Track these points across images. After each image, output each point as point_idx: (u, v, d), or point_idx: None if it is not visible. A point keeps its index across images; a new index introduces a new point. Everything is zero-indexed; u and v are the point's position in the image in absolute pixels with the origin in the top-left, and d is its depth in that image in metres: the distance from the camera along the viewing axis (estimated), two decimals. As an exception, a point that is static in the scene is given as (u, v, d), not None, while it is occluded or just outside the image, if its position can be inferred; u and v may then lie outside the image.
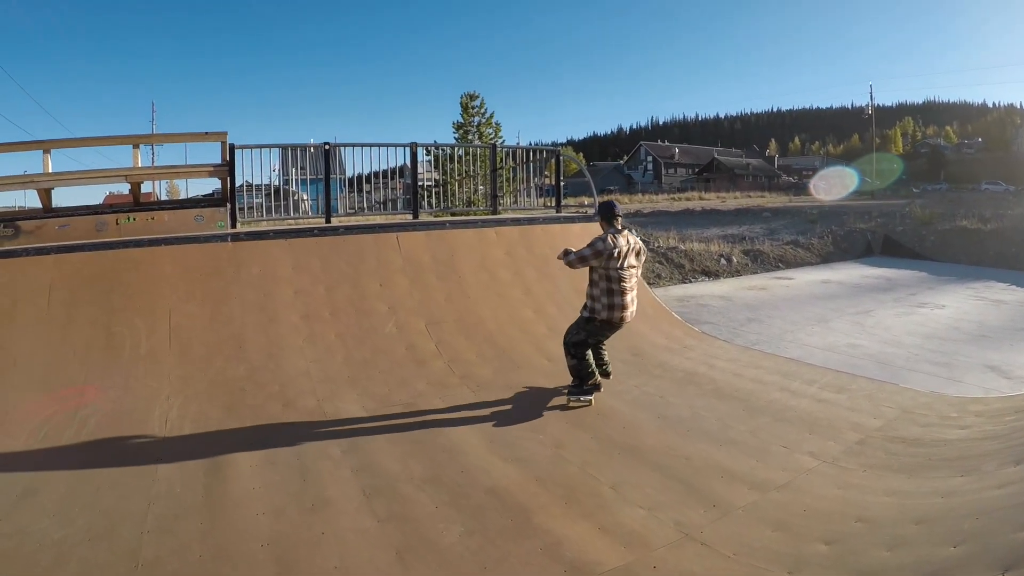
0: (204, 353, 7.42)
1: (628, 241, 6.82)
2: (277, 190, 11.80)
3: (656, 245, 19.95)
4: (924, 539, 3.83)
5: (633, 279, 6.90)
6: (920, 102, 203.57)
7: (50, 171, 9.46)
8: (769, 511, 4.55)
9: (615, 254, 6.65)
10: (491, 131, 28.01)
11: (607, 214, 6.96)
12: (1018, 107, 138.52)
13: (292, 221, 11.75)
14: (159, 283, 8.00)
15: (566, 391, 7.06)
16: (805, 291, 15.53)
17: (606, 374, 7.42)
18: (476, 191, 15.36)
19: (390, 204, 15.74)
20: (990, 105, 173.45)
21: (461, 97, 28.34)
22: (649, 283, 13.75)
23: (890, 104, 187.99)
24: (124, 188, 12.56)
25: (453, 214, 13.49)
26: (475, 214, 13.72)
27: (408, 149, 11.65)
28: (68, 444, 5.73)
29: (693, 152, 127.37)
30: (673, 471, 5.27)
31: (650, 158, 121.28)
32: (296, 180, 11.66)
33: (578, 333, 7.00)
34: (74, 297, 7.56)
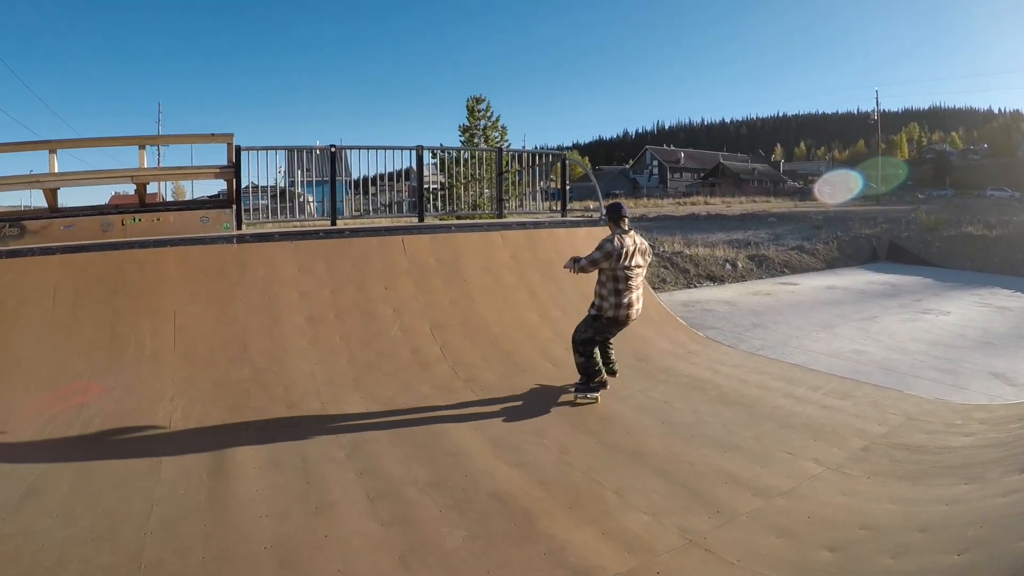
0: (208, 354, 7.43)
1: (634, 241, 7.09)
2: (283, 192, 11.80)
3: (661, 250, 19.94)
4: (928, 547, 3.81)
5: (639, 278, 7.16)
6: (926, 108, 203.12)
7: (56, 171, 9.48)
8: (773, 517, 4.54)
9: (622, 254, 6.91)
10: (497, 134, 28.00)
11: (614, 216, 7.25)
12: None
13: (297, 223, 11.77)
14: (164, 284, 8.01)
15: (573, 389, 7.25)
16: (810, 297, 15.50)
17: (612, 372, 7.58)
18: (482, 194, 15.35)
19: (395, 207, 15.74)
20: (996, 111, 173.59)
21: (467, 100, 28.35)
22: (654, 288, 13.74)
23: (896, 109, 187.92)
24: (130, 188, 12.56)
25: (459, 217, 13.48)
26: (480, 217, 13.72)
27: (414, 152, 11.66)
28: (71, 444, 5.74)
29: (699, 157, 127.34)
30: (677, 477, 5.26)
31: (656, 162, 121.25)
32: (302, 182, 11.65)
33: (586, 331, 7.19)
34: (79, 297, 7.57)
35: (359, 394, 7.13)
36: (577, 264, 7.17)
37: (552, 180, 15.39)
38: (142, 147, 10.18)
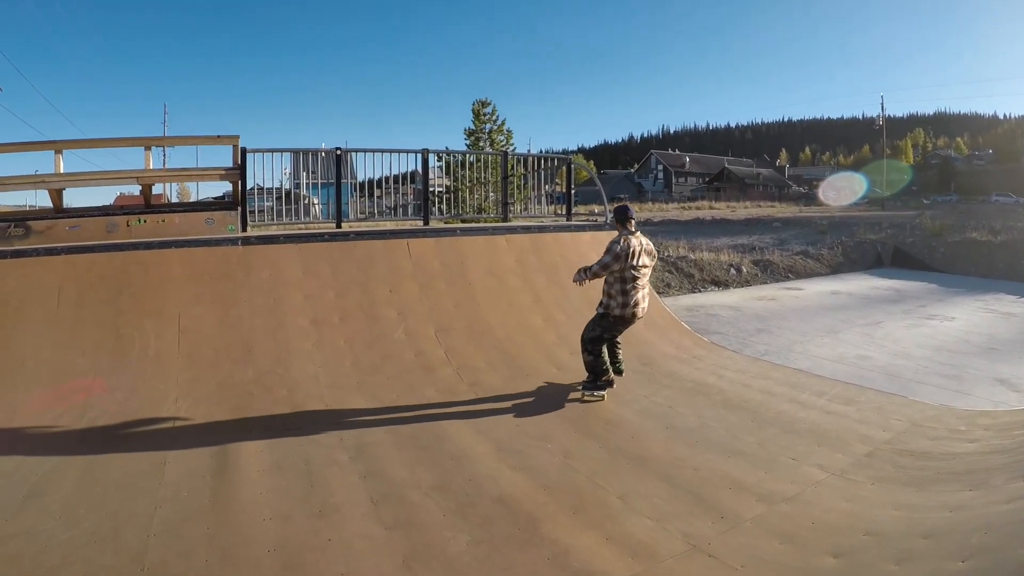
0: (212, 356, 7.44)
1: (640, 242, 7.29)
2: (288, 194, 11.82)
3: (666, 254, 19.91)
4: (932, 553, 3.80)
5: (645, 278, 7.36)
6: (931, 113, 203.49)
7: (61, 171, 9.49)
8: (777, 523, 4.53)
9: (630, 254, 7.09)
10: (502, 138, 27.98)
11: (621, 218, 7.43)
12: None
13: (302, 225, 11.77)
14: (168, 285, 8.02)
15: (580, 387, 7.47)
16: (815, 302, 15.48)
17: (619, 372, 7.75)
18: (487, 198, 15.35)
19: (400, 210, 15.75)
20: (1001, 117, 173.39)
21: (473, 104, 28.33)
22: (659, 292, 13.72)
23: (901, 115, 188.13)
24: (135, 189, 12.58)
25: (464, 221, 13.49)
26: (486, 221, 13.71)
27: (419, 155, 11.66)
28: (74, 445, 5.74)
29: (704, 161, 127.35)
30: (681, 482, 5.25)
31: (661, 167, 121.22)
32: (307, 184, 11.66)
33: (594, 329, 7.38)
34: (83, 298, 7.59)
35: (363, 397, 7.13)
36: (589, 271, 7.32)
37: (557, 184, 15.35)
38: (148, 148, 10.18)
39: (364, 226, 11.83)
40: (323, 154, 11.30)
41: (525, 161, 14.51)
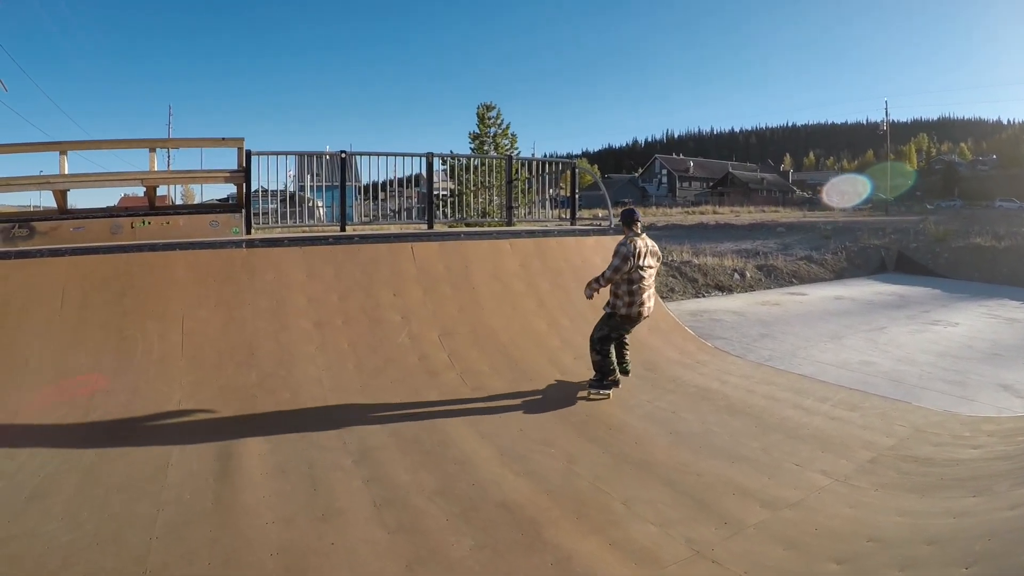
0: (216, 359, 7.44)
1: (645, 244, 7.53)
2: (292, 196, 11.83)
3: (670, 259, 19.91)
4: (936, 560, 3.79)
5: (651, 278, 7.59)
6: (935, 118, 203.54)
7: (66, 172, 9.51)
8: (781, 529, 4.52)
9: (636, 254, 7.32)
10: (507, 142, 28.02)
11: (628, 220, 7.65)
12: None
13: (307, 228, 11.78)
14: (172, 287, 8.03)
15: (587, 385, 7.67)
16: (818, 307, 15.46)
17: (625, 372, 7.94)
18: (491, 202, 15.35)
19: (405, 213, 15.76)
20: (1005, 122, 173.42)
21: (478, 108, 28.41)
22: (662, 297, 13.72)
23: (905, 120, 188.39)
24: (139, 190, 12.62)
25: (468, 224, 13.49)
26: (490, 225, 13.71)
27: (424, 159, 11.67)
28: (77, 447, 5.73)
29: (708, 166, 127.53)
30: (685, 487, 5.24)
31: (665, 171, 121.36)
32: (311, 187, 11.68)
33: (602, 329, 7.62)
34: (87, 299, 7.60)
35: (366, 401, 7.13)
36: (602, 279, 7.53)
37: (561, 188, 15.37)
38: (152, 150, 10.20)
39: (368, 229, 11.84)
40: (327, 157, 11.31)
41: (529, 165, 14.55)
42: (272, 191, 11.26)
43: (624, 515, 4.80)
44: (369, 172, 11.52)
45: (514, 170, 13.50)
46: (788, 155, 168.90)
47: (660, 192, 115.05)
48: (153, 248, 8.35)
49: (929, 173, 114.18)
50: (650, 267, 7.54)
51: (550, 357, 8.62)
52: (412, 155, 11.74)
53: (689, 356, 9.40)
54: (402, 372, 7.82)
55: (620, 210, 8.31)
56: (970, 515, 4.30)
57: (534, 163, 14.76)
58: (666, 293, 16.44)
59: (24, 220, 9.43)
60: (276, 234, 10.47)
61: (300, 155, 11.11)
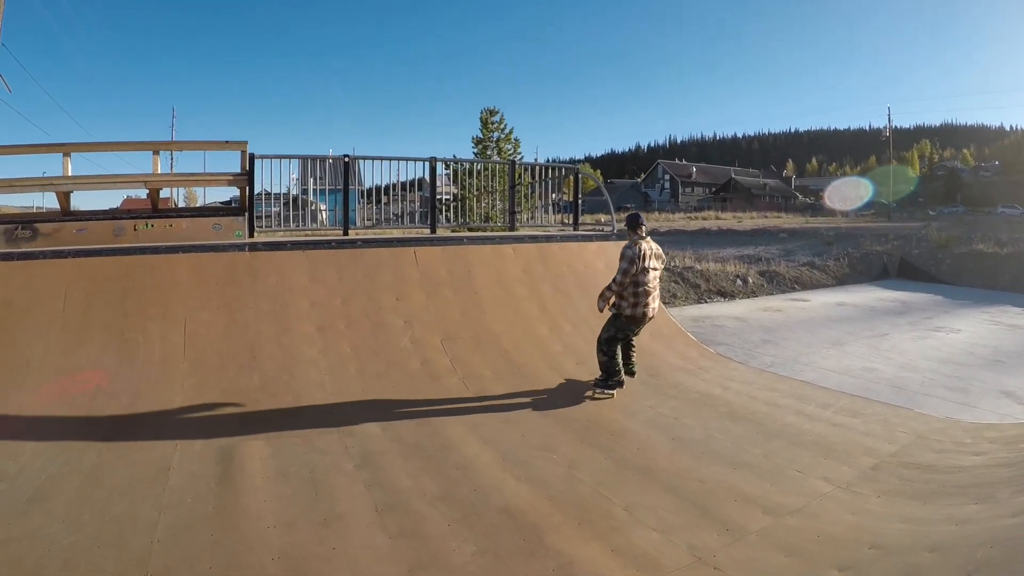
0: (218, 362, 7.44)
1: (650, 246, 7.79)
2: (295, 199, 11.84)
3: (672, 264, 19.92)
4: (938, 567, 3.78)
5: (655, 280, 7.82)
6: (938, 124, 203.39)
7: (70, 174, 9.52)
8: (783, 536, 4.51)
9: (641, 257, 7.55)
10: (510, 147, 28.00)
11: (633, 224, 7.85)
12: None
13: (310, 232, 11.79)
14: (175, 290, 8.04)
15: (593, 384, 7.87)
16: (821, 313, 15.47)
17: (631, 373, 8.15)
18: (494, 207, 15.35)
19: (408, 217, 15.77)
20: (1008, 128, 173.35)
21: (481, 112, 28.37)
22: (665, 303, 13.70)
23: (908, 126, 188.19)
24: (142, 192, 12.62)
25: (471, 229, 13.49)
26: (492, 230, 13.72)
27: (427, 163, 11.67)
28: (78, 449, 5.73)
29: (710, 171, 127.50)
30: (687, 493, 5.23)
31: (667, 176, 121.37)
32: (315, 190, 11.68)
33: (608, 330, 7.82)
34: (90, 301, 7.61)
35: (368, 405, 7.12)
36: (613, 285, 7.67)
37: (564, 193, 15.36)
38: (156, 152, 10.21)
39: (371, 233, 11.87)
40: (331, 161, 11.32)
41: (532, 170, 14.53)
42: (275, 194, 11.26)
43: (626, 521, 4.79)
44: (372, 176, 11.53)
45: (517, 175, 13.50)
46: (791, 161, 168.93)
47: (663, 197, 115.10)
48: (156, 250, 8.37)
49: (932, 179, 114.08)
50: (654, 269, 7.77)
51: (552, 362, 8.62)
52: (415, 159, 11.77)
53: (691, 362, 9.40)
54: (404, 376, 7.82)
55: (626, 215, 8.36)
56: (972, 522, 4.30)
57: (537, 168, 14.74)
58: (669, 299, 16.43)
59: (27, 221, 9.44)
60: (279, 237, 10.49)
61: (303, 159, 11.08)
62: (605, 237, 11.56)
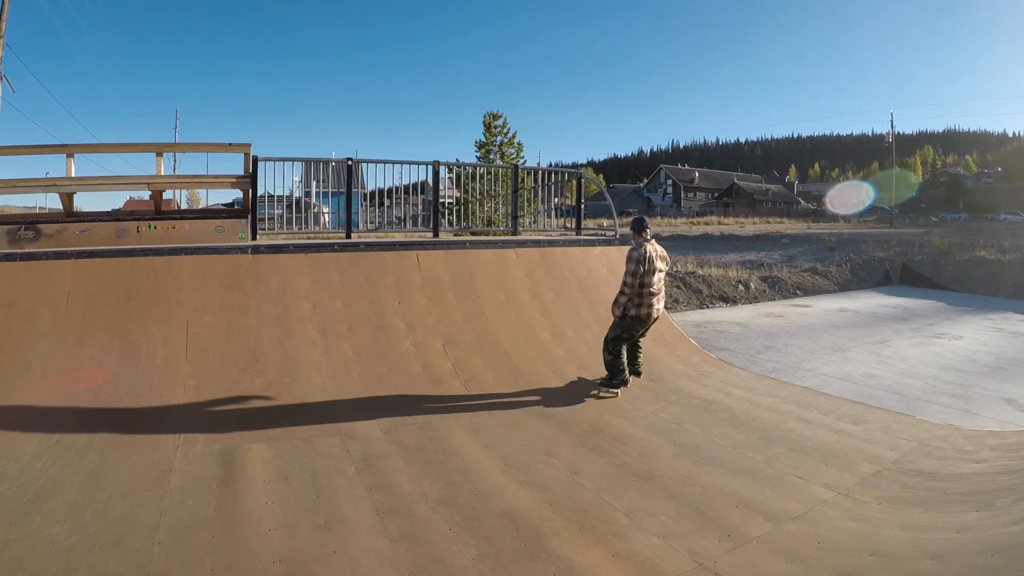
0: (220, 364, 7.45)
1: (654, 248, 7.95)
2: (298, 202, 11.85)
3: (674, 269, 19.93)
4: (939, 574, 3.78)
5: (660, 281, 7.96)
6: (940, 131, 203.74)
7: (73, 175, 9.53)
8: (784, 542, 4.51)
9: (646, 259, 7.71)
10: (513, 151, 28.04)
11: (638, 227, 8.02)
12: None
13: (312, 234, 11.80)
14: (177, 292, 8.05)
15: (598, 384, 8.04)
16: (822, 319, 15.43)
17: (637, 373, 8.41)
18: (496, 211, 15.36)
19: (410, 221, 15.78)
20: (1010, 135, 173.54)
21: (484, 116, 28.45)
22: (667, 308, 13.71)
23: (910, 132, 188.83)
24: (145, 193, 12.65)
25: (473, 233, 13.51)
26: (495, 234, 13.73)
27: (431, 167, 11.68)
28: (80, 450, 5.73)
29: (713, 176, 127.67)
30: (688, 499, 5.23)
31: (670, 181, 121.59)
32: (318, 193, 11.69)
33: (614, 330, 7.95)
34: (92, 303, 7.62)
35: (370, 408, 7.12)
36: (625, 287, 7.77)
37: (567, 197, 15.38)
38: (159, 154, 10.23)
39: (373, 236, 11.88)
40: (334, 164, 11.33)
41: (535, 174, 14.54)
42: (278, 197, 11.28)
43: (627, 526, 4.78)
44: (375, 179, 11.54)
45: (520, 179, 13.51)
46: (793, 166, 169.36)
47: (665, 202, 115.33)
48: (158, 252, 8.37)
49: (934, 185, 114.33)
50: (659, 270, 7.90)
51: (554, 366, 8.62)
52: (418, 163, 11.79)
53: (693, 367, 9.40)
54: (406, 380, 7.83)
55: (630, 219, 8.45)
56: (973, 530, 4.30)
57: (540, 172, 14.75)
58: (671, 304, 16.41)
59: (30, 222, 9.46)
60: (281, 240, 10.52)
61: (306, 161, 11.09)
62: (608, 242, 11.56)
